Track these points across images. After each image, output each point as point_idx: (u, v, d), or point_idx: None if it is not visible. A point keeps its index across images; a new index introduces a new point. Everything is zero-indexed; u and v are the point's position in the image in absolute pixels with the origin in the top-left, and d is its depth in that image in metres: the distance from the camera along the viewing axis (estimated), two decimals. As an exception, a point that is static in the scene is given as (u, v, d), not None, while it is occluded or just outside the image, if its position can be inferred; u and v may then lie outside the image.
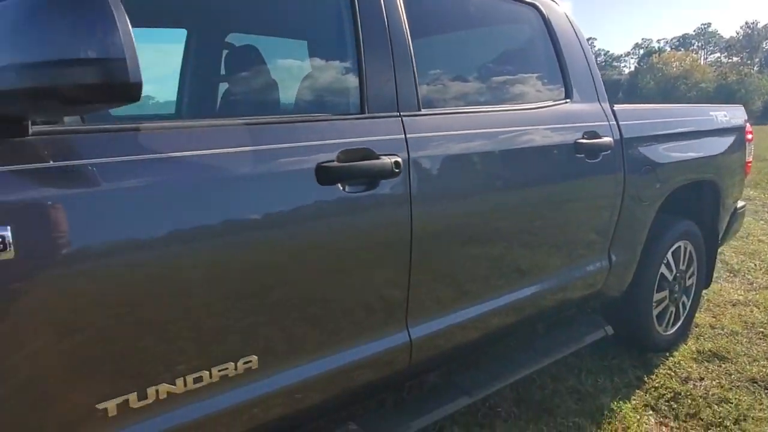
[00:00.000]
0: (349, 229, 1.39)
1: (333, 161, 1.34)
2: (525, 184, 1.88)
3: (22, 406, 0.98)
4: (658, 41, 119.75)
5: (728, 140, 3.01)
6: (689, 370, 2.62)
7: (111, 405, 1.08)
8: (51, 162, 0.98)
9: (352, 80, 1.50)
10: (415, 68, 1.60)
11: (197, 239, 1.15)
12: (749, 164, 3.31)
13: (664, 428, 2.16)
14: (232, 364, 1.24)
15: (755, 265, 4.34)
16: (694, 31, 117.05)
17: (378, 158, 1.42)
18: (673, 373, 2.58)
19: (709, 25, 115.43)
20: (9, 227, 0.91)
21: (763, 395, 2.38)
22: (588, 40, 2.49)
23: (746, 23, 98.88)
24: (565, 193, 2.06)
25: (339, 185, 1.34)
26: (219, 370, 1.22)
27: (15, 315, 0.95)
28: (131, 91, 0.83)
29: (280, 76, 1.56)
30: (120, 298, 1.06)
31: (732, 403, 2.30)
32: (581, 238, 2.20)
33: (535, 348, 2.16)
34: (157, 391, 1.13)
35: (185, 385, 1.17)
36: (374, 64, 1.51)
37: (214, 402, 1.22)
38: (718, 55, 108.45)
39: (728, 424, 2.15)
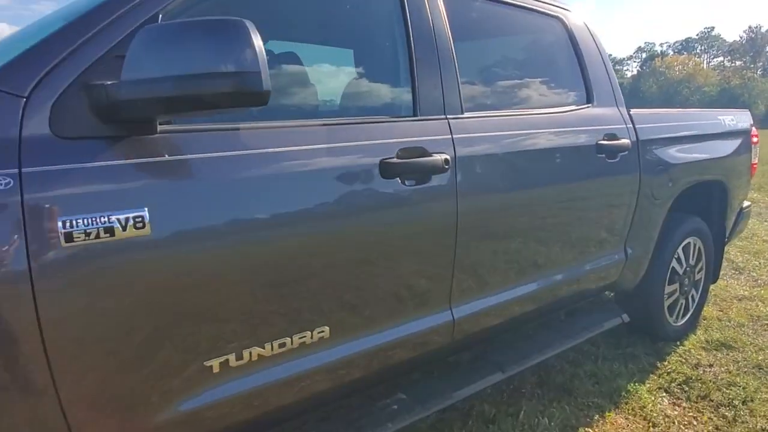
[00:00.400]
0: (406, 218, 1.58)
1: (393, 158, 1.53)
2: (552, 181, 2.07)
3: (154, 358, 1.18)
4: (661, 45, 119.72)
5: (735, 143, 3.19)
6: (699, 357, 2.80)
7: (215, 363, 1.27)
8: (166, 156, 1.17)
9: (407, 87, 1.69)
10: (458, 76, 1.80)
11: (285, 223, 1.34)
12: (755, 166, 3.50)
13: (677, 408, 2.34)
14: (309, 333, 1.43)
15: (760, 263, 4.51)
16: (697, 35, 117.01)
17: (431, 155, 1.61)
18: (684, 360, 2.77)
19: (712, 29, 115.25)
20: (146, 208, 1.11)
21: (768, 380, 2.56)
22: None
23: (749, 27, 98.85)
24: (587, 190, 2.25)
25: (398, 179, 1.53)
26: (299, 338, 1.41)
27: (148, 282, 1.14)
28: (262, 97, 1.02)
29: (350, 83, 1.75)
30: (225, 273, 1.25)
31: (740, 386, 2.48)
32: (601, 231, 2.39)
33: (559, 332, 2.35)
34: (250, 353, 1.32)
35: (272, 349, 1.36)
36: (424, 73, 1.71)
37: (293, 365, 1.41)
38: (721, 59, 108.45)
39: (737, 404, 2.33)
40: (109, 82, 1.08)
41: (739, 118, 3.33)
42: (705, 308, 3.32)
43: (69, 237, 1.02)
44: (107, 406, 1.14)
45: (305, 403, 1.50)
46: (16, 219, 0.98)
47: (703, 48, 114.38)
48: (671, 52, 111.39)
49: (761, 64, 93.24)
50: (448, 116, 1.74)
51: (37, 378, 1.03)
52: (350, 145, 1.47)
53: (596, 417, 2.25)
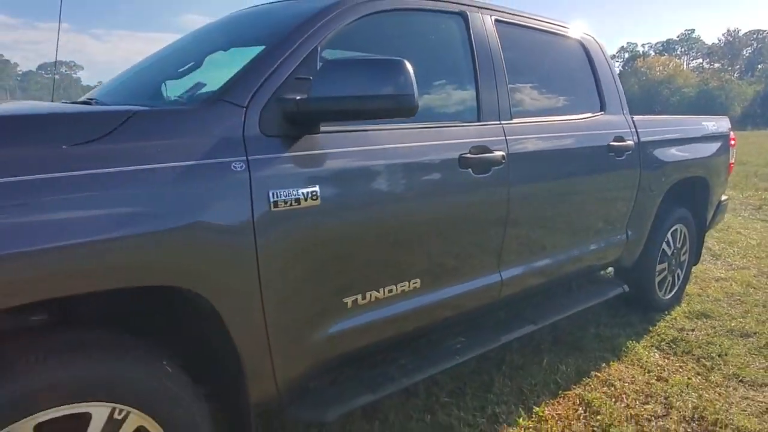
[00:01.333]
0: (474, 199, 2.08)
1: (467, 153, 2.02)
2: (575, 173, 2.59)
3: (312, 293, 1.65)
4: (643, 45, 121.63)
5: (716, 145, 3.76)
6: (683, 323, 3.36)
7: (349, 300, 1.75)
8: (326, 150, 1.64)
9: (473, 99, 2.18)
10: (508, 89, 2.30)
11: (396, 198, 1.82)
12: (732, 165, 4.07)
13: (667, 359, 2.89)
14: (407, 283, 1.92)
15: (734, 251, 5.13)
16: (678, 36, 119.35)
17: (492, 152, 2.10)
18: (671, 326, 3.32)
19: (692, 31, 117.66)
20: (318, 186, 1.58)
21: (739, 340, 3.12)
22: None
23: (728, 30, 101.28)
24: (601, 181, 2.77)
25: (470, 170, 2.03)
26: (401, 286, 1.90)
27: (315, 239, 1.61)
28: (412, 111, 1.51)
29: (437, 95, 2.23)
30: (359, 234, 1.74)
31: (716, 345, 3.04)
32: (609, 216, 2.92)
33: (575, 298, 2.89)
34: (371, 295, 1.81)
35: (383, 294, 1.85)
36: (485, 88, 2.21)
37: (396, 306, 1.90)
38: (700, 60, 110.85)
39: (714, 356, 2.89)
40: (298, 97, 1.55)
41: (719, 124, 3.89)
42: (688, 286, 3.89)
43: (275, 204, 1.49)
44: (293, 324, 1.61)
45: (403, 336, 1.99)
46: (247, 190, 1.45)
47: (683, 49, 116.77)
48: (653, 53, 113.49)
49: (738, 66, 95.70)
50: (501, 121, 2.23)
51: (254, 297, 1.49)
52: (440, 144, 1.96)
53: (603, 365, 2.79)
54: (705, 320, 3.43)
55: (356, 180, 1.70)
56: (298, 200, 1.53)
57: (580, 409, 2.38)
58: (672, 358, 2.92)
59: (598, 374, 2.70)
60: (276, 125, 1.56)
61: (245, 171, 1.45)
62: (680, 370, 2.77)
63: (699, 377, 2.69)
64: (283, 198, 1.51)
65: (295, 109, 1.56)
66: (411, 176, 1.86)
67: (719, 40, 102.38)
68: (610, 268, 3.50)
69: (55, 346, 1.27)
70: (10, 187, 1.14)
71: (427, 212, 1.94)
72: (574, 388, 2.55)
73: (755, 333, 3.21)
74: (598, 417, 2.31)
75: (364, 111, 1.51)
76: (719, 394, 2.53)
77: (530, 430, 2.21)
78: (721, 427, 2.24)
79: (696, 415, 2.34)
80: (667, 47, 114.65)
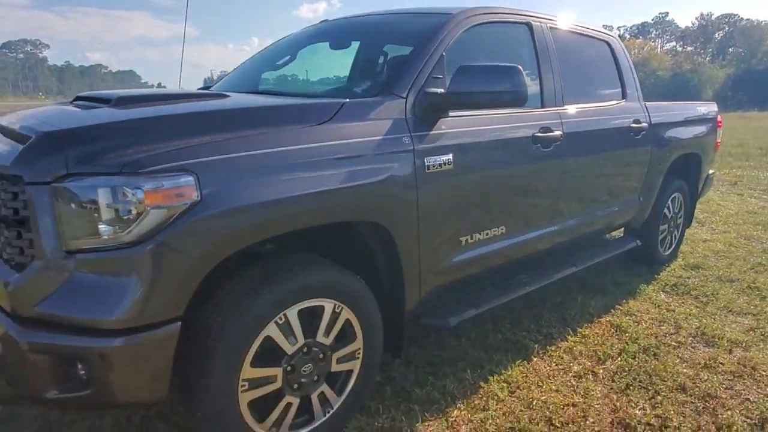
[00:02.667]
0: (541, 168, 2.74)
1: (537, 132, 2.67)
2: (607, 148, 3.28)
3: (444, 231, 2.30)
4: (619, 28, 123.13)
5: (707, 126, 4.49)
6: (681, 273, 4.12)
7: (465, 239, 2.41)
8: (453, 129, 2.27)
9: (537, 89, 2.83)
10: (561, 81, 2.95)
11: (495, 165, 2.47)
12: (718, 144, 4.82)
13: (671, 298, 3.63)
14: (496, 229, 2.58)
15: (716, 219, 5.94)
16: (653, 19, 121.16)
17: (553, 132, 2.76)
18: (671, 275, 4.08)
19: (666, 14, 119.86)
20: (451, 154, 2.22)
21: (726, 284, 3.88)
22: None
23: (701, 14, 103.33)
24: (623, 156, 3.46)
25: (539, 145, 2.68)
26: (491, 231, 2.55)
27: (449, 193, 2.25)
28: (524, 101, 2.15)
29: None
30: (472, 191, 2.38)
31: (708, 288, 3.80)
32: (629, 183, 3.62)
33: (601, 248, 3.61)
34: (476, 236, 2.47)
35: (483, 236, 2.51)
36: (546, 80, 2.85)
37: (488, 245, 2.56)
38: (674, 44, 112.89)
39: (708, 295, 3.65)
40: (439, 91, 2.17)
41: (709, 109, 4.62)
42: (682, 245, 4.65)
43: (428, 167, 2.12)
44: (432, 252, 2.25)
45: (492, 269, 2.66)
46: (411, 158, 2.07)
47: (657, 33, 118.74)
48: (628, 36, 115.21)
49: (710, 50, 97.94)
50: (557, 107, 2.89)
51: (413, 231, 2.13)
52: (520, 125, 2.61)
53: (623, 301, 3.52)
54: (698, 270, 4.19)
55: (472, 150, 2.34)
56: (440, 165, 2.17)
57: (612, 329, 3.10)
58: (675, 297, 3.66)
59: (621, 308, 3.43)
60: (422, 111, 2.18)
61: (410, 144, 2.08)
62: (683, 304, 3.52)
63: (697, 309, 3.44)
64: (433, 163, 2.14)
65: (436, 100, 2.18)
66: (503, 149, 2.51)
67: (692, 24, 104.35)
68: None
69: (304, 262, 1.90)
70: (282, 153, 1.75)
71: (512, 176, 2.60)
72: (604, 317, 3.27)
73: (738, 279, 3.98)
74: (626, 334, 3.03)
75: (489, 102, 2.15)
76: (714, 319, 3.28)
77: (578, 343, 2.92)
78: (718, 339, 2.98)
79: (699, 332, 3.08)
80: (642, 30, 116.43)
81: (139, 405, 1.65)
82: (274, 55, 3.32)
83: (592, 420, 2.23)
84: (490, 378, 2.52)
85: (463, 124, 2.32)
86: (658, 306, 3.48)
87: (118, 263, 1.50)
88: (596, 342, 2.93)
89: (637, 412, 2.29)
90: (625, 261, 4.24)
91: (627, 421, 2.23)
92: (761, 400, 2.40)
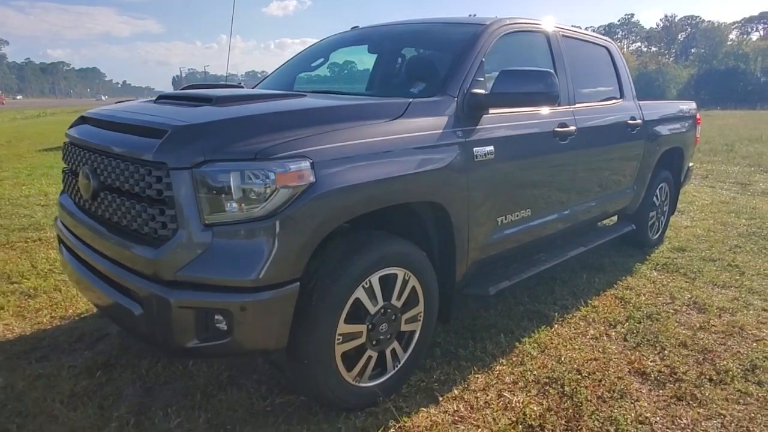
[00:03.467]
0: (559, 157, 3.14)
1: (557, 127, 3.07)
2: (610, 142, 3.70)
3: (487, 212, 2.66)
4: (587, 28, 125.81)
5: (688, 123, 4.98)
6: (668, 254, 4.60)
7: (500, 219, 2.78)
8: (494, 124, 2.64)
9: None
10: (572, 82, 3.35)
11: (526, 155, 2.85)
12: (698, 139, 5.33)
13: (663, 275, 4.09)
14: (524, 211, 2.96)
15: (693, 208, 6.49)
16: (619, 20, 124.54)
17: (569, 127, 3.16)
18: (660, 256, 4.55)
19: (632, 15, 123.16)
20: (492, 146, 2.59)
21: (709, 263, 4.37)
22: None
23: (665, 16, 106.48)
24: (622, 149, 3.90)
25: (558, 138, 3.08)
26: (520, 213, 2.93)
27: (491, 180, 2.62)
28: (556, 101, 2.54)
29: None
30: (507, 178, 2.75)
31: (694, 266, 4.27)
32: (626, 173, 4.06)
33: (603, 231, 4.04)
34: (509, 217, 2.84)
35: (514, 217, 2.88)
36: (561, 81, 3.25)
37: (517, 226, 2.94)
38: (639, 44, 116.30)
39: (695, 271, 4.12)
40: (482, 92, 2.54)
41: (689, 107, 5.12)
42: (667, 231, 5.14)
43: (475, 157, 2.49)
44: (478, 229, 2.61)
45: (520, 247, 3.04)
46: (463, 148, 2.43)
47: (623, 33, 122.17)
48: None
49: (674, 50, 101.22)
50: (570, 105, 3.29)
51: (464, 210, 2.49)
52: (544, 121, 2.99)
53: (622, 278, 3.96)
54: (683, 252, 4.68)
55: (507, 143, 2.71)
56: (485, 155, 2.54)
57: (617, 301, 3.53)
58: (666, 274, 4.13)
59: (621, 283, 3.87)
60: (469, 109, 2.54)
61: (462, 137, 2.44)
62: (674, 280, 3.98)
63: (687, 283, 3.90)
64: (480, 153, 2.51)
65: (481, 99, 2.55)
66: (531, 141, 2.89)
67: (657, 25, 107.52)
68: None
69: (382, 237, 2.24)
70: (369, 143, 2.08)
71: (537, 166, 2.99)
72: (608, 291, 3.71)
73: (719, 259, 4.48)
74: (630, 304, 3.46)
75: (526, 101, 2.53)
76: (702, 291, 3.74)
77: (590, 312, 3.34)
78: (708, 307, 3.43)
79: (691, 302, 3.54)
80: (609, 31, 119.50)
81: (263, 353, 1.95)
82: (309, 59, 3.65)
83: (612, 370, 2.64)
84: (522, 340, 2.91)
85: (500, 120, 2.69)
86: (653, 282, 3.94)
87: (252, 234, 1.82)
88: (605, 311, 3.35)
89: (649, 363, 2.71)
90: (619, 245, 4.69)
91: (642, 369, 2.64)
92: (749, 352, 2.85)
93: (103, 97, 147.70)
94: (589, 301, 3.49)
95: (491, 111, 2.64)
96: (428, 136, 2.31)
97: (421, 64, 3.06)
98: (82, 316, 3.19)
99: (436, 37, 3.12)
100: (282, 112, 2.10)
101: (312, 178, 1.86)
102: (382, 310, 2.23)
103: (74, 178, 2.39)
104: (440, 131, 2.36)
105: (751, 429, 2.21)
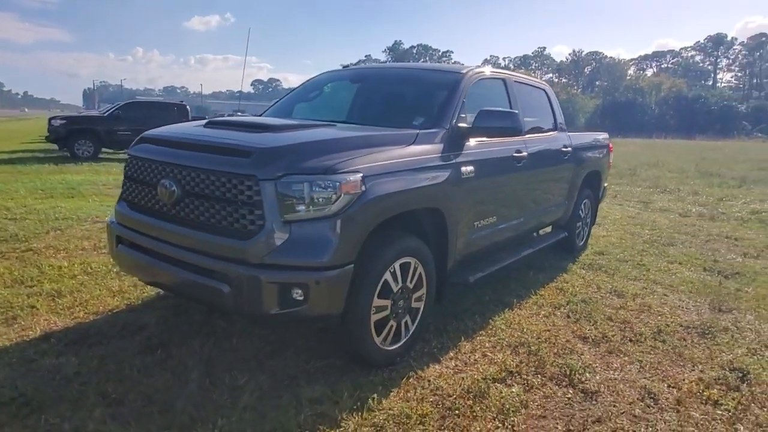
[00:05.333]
0: (515, 177, 4.01)
1: (514, 153, 3.95)
2: (551, 164, 4.67)
3: (468, 216, 3.46)
4: (504, 59, 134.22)
5: (604, 150, 6.13)
6: (592, 257, 5.64)
7: (477, 223, 3.59)
8: (474, 150, 3.45)
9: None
10: (523, 118, 4.27)
11: (494, 174, 3.69)
12: (610, 164, 6.51)
13: (590, 272, 5.09)
14: (492, 218, 3.79)
15: (607, 222, 7.73)
16: (533, 53, 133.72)
17: (522, 153, 4.05)
18: (586, 258, 5.58)
19: (544, 48, 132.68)
20: (472, 166, 3.40)
21: (624, 263, 5.44)
22: (446, 52, 5.41)
23: (573, 51, 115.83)
24: (558, 171, 4.88)
25: (515, 161, 3.96)
26: (488, 219, 3.76)
27: (473, 193, 3.41)
28: (520, 133, 3.40)
29: None
30: (482, 191, 3.57)
31: (612, 265, 5.32)
32: (562, 190, 5.04)
33: (544, 238, 4.98)
34: (482, 222, 3.65)
35: (485, 222, 3.70)
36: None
37: (487, 229, 3.76)
38: (551, 75, 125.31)
39: (612, 270, 5.16)
40: (465, 125, 3.35)
41: (604, 137, 6.29)
42: (589, 239, 6.23)
43: (462, 174, 3.28)
44: (462, 229, 3.38)
45: (488, 246, 3.85)
46: (454, 168, 3.22)
47: (537, 65, 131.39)
48: (512, 66, 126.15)
49: (581, 82, 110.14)
50: (524, 136, 4.20)
51: (455, 214, 3.26)
52: (506, 147, 3.86)
53: (559, 275, 4.90)
54: (603, 255, 5.75)
55: (482, 164, 3.52)
56: (469, 173, 3.34)
57: (557, 291, 4.44)
58: (592, 271, 5.13)
59: (559, 278, 4.81)
60: (456, 137, 3.34)
61: (454, 159, 3.23)
62: (598, 276, 4.98)
63: (608, 278, 4.92)
64: (465, 171, 3.31)
65: (466, 131, 3.36)
66: (497, 163, 3.74)
67: (566, 59, 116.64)
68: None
69: (401, 234, 2.95)
70: (394, 163, 2.81)
71: (500, 182, 3.84)
72: (550, 284, 4.62)
73: (630, 260, 5.58)
74: (568, 293, 4.38)
75: (498, 132, 3.37)
76: (620, 283, 4.75)
77: (539, 298, 4.21)
78: (625, 293, 4.43)
79: (612, 290, 4.52)
80: (523, 62, 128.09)
81: (325, 317, 2.57)
82: (307, 91, 4.34)
83: (562, 336, 3.49)
84: (493, 319, 3.71)
85: (478, 147, 3.51)
86: (583, 277, 4.91)
87: (322, 228, 2.47)
88: (550, 298, 4.24)
89: (586, 331, 3.59)
90: (554, 251, 5.67)
91: (583, 335, 3.52)
92: (656, 322, 3.82)
93: (26, 110, 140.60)
94: (538, 291, 4.37)
95: (471, 139, 3.46)
96: (432, 158, 3.07)
97: (418, 102, 3.84)
98: (114, 311, 3.61)
99: (426, 80, 3.93)
100: (335, 138, 2.79)
101: (363, 188, 2.56)
102: (401, 290, 2.93)
103: (148, 189, 2.91)
104: (440, 155, 3.14)
105: (660, 369, 3.12)
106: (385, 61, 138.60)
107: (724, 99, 73.01)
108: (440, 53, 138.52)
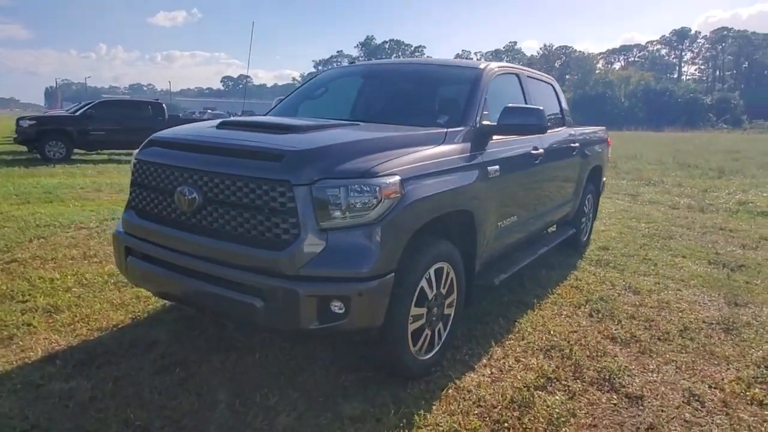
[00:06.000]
0: (534, 172, 3.92)
1: (531, 150, 3.84)
2: (563, 158, 4.59)
3: (495, 216, 3.33)
4: (476, 53, 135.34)
5: (604, 144, 6.10)
6: (598, 253, 5.60)
7: (500, 223, 3.47)
8: (497, 148, 3.33)
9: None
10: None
11: (517, 171, 3.57)
12: (609, 157, 6.49)
13: (599, 269, 5.04)
14: (513, 217, 3.68)
15: (602, 216, 7.73)
16: (504, 47, 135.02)
17: (538, 149, 3.95)
18: (592, 254, 5.54)
19: (515, 43, 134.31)
20: (498, 165, 3.28)
21: (630, 258, 5.42)
22: (419, 47, 5.40)
23: (544, 45, 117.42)
24: (568, 166, 4.81)
25: (533, 159, 3.85)
26: (510, 219, 3.65)
27: (496, 191, 3.29)
28: (545, 131, 3.28)
29: None
30: (505, 189, 3.45)
31: (619, 261, 5.29)
32: (570, 186, 4.98)
33: (556, 234, 4.91)
34: (504, 222, 3.54)
35: (506, 222, 3.59)
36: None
37: (509, 229, 3.65)
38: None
39: (621, 265, 5.13)
40: (490, 123, 3.23)
41: (603, 131, 6.26)
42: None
43: (489, 173, 3.15)
44: (489, 229, 3.26)
45: (509, 246, 3.74)
46: (482, 168, 3.09)
47: (508, 59, 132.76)
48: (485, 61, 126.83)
49: (553, 76, 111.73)
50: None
51: (483, 214, 3.13)
52: (525, 145, 3.75)
53: (571, 272, 4.84)
54: (607, 251, 5.72)
55: (507, 162, 3.41)
56: (494, 172, 3.22)
57: (573, 289, 4.37)
58: (600, 268, 5.09)
59: (572, 276, 4.74)
60: (480, 136, 3.21)
61: (478, 158, 3.10)
62: (609, 272, 4.94)
63: (619, 274, 4.88)
64: (492, 171, 3.18)
65: (490, 129, 3.23)
66: (518, 161, 3.63)
67: (537, 53, 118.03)
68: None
69: (436, 239, 2.80)
70: (427, 164, 2.66)
71: (522, 182, 3.73)
72: (565, 282, 4.55)
73: (635, 255, 5.56)
74: (582, 290, 4.31)
75: (523, 130, 3.25)
76: (633, 279, 4.71)
77: (558, 298, 4.13)
78: (641, 290, 4.38)
79: (627, 287, 4.48)
80: (496, 56, 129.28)
81: (366, 330, 2.40)
82: (314, 89, 4.15)
83: (590, 337, 3.41)
84: (518, 321, 3.60)
85: (500, 145, 3.40)
86: (594, 274, 4.86)
87: (362, 235, 2.31)
88: (568, 297, 4.17)
89: (613, 331, 3.52)
90: (559, 248, 5.62)
91: (611, 335, 3.45)
92: (679, 319, 3.77)
93: None
94: (554, 291, 4.30)
95: (494, 138, 3.34)
96: (462, 158, 2.94)
97: (439, 99, 3.69)
98: (119, 326, 3.38)
99: (444, 76, 3.79)
100: (368, 139, 2.62)
101: (402, 192, 2.40)
102: (435, 297, 2.80)
103: (162, 196, 2.69)
104: (468, 154, 3.01)
105: (695, 368, 3.06)
106: (358, 57, 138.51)
107: (690, 92, 75.10)
108: (413, 48, 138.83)
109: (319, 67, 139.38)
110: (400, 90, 3.90)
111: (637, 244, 6.00)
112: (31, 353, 2.97)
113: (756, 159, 18.59)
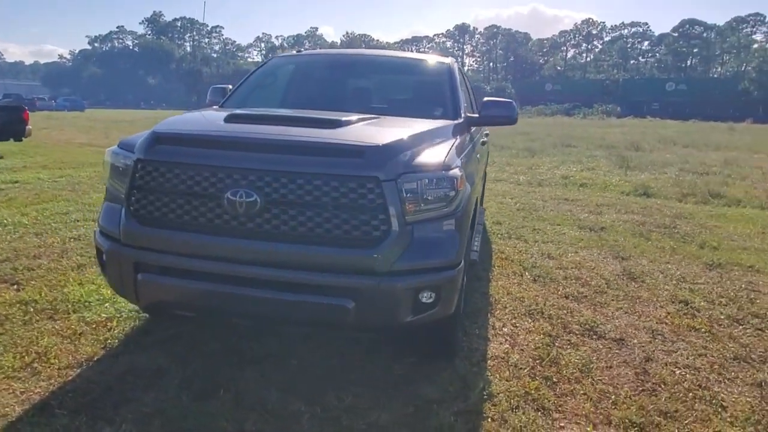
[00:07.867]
0: (481, 151, 4.34)
1: (484, 138, 4.26)
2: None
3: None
4: (277, 37, 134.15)
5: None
6: (496, 227, 6.35)
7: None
8: (476, 133, 3.66)
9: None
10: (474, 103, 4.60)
11: (482, 154, 3.94)
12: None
13: (509, 242, 5.76)
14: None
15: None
16: (306, 32, 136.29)
17: (485, 138, 4.39)
18: (492, 228, 6.27)
19: (316, 29, 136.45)
20: (479, 146, 3.61)
21: (526, 230, 6.28)
22: (216, 27, 6.48)
23: (346, 32, 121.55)
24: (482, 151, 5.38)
25: (482, 142, 4.28)
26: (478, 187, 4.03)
27: (479, 172, 3.62)
28: (516, 122, 3.69)
29: None
30: (482, 163, 3.80)
31: (517, 233, 6.11)
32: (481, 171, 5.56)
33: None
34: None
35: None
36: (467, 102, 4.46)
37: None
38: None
39: (521, 236, 5.93)
40: (476, 115, 3.53)
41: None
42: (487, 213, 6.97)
43: (477, 152, 3.46)
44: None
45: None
46: (475, 158, 3.38)
47: (310, 44, 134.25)
48: (286, 45, 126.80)
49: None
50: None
51: (478, 187, 3.43)
52: (483, 134, 4.14)
53: (488, 246, 5.45)
54: (501, 225, 6.51)
55: (480, 152, 3.75)
56: (483, 143, 3.54)
57: (504, 259, 4.97)
58: (510, 240, 5.80)
59: (493, 248, 5.35)
60: (466, 126, 3.49)
61: (472, 149, 3.38)
62: (518, 243, 5.67)
63: (525, 244, 5.63)
64: (479, 149, 3.50)
65: (474, 120, 3.53)
66: (480, 149, 4.00)
67: (340, 40, 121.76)
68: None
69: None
70: (464, 157, 2.87)
71: (482, 159, 4.12)
72: (493, 254, 5.12)
73: (525, 226, 6.45)
74: (513, 261, 4.93)
75: (499, 122, 3.62)
76: (538, 247, 5.50)
77: (499, 268, 4.66)
78: (554, 255, 5.17)
79: (541, 253, 5.24)
80: (297, 41, 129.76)
81: (450, 317, 2.50)
82: (264, 79, 3.94)
83: (551, 299, 3.99)
84: (490, 294, 4.02)
85: (476, 132, 3.72)
86: (508, 246, 5.54)
87: (444, 226, 2.41)
88: (508, 267, 4.74)
89: (562, 291, 4.16)
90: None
91: (565, 295, 4.08)
92: (598, 275, 4.60)
93: None
94: (493, 263, 4.83)
95: (472, 127, 3.65)
96: (466, 145, 3.17)
97: (429, 92, 3.82)
98: (95, 359, 2.86)
99: (419, 69, 3.93)
100: (420, 133, 2.66)
101: (466, 183, 2.56)
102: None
103: (196, 200, 2.37)
104: (469, 143, 3.27)
105: (636, 311, 3.84)
106: (145, 34, 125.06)
107: (473, 81, 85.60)
108: (209, 28, 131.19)
109: (96, 44, 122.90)
110: (382, 83, 3.95)
111: (519, 217, 6.95)
112: (8, 410, 2.38)
113: (545, 140, 22.33)
